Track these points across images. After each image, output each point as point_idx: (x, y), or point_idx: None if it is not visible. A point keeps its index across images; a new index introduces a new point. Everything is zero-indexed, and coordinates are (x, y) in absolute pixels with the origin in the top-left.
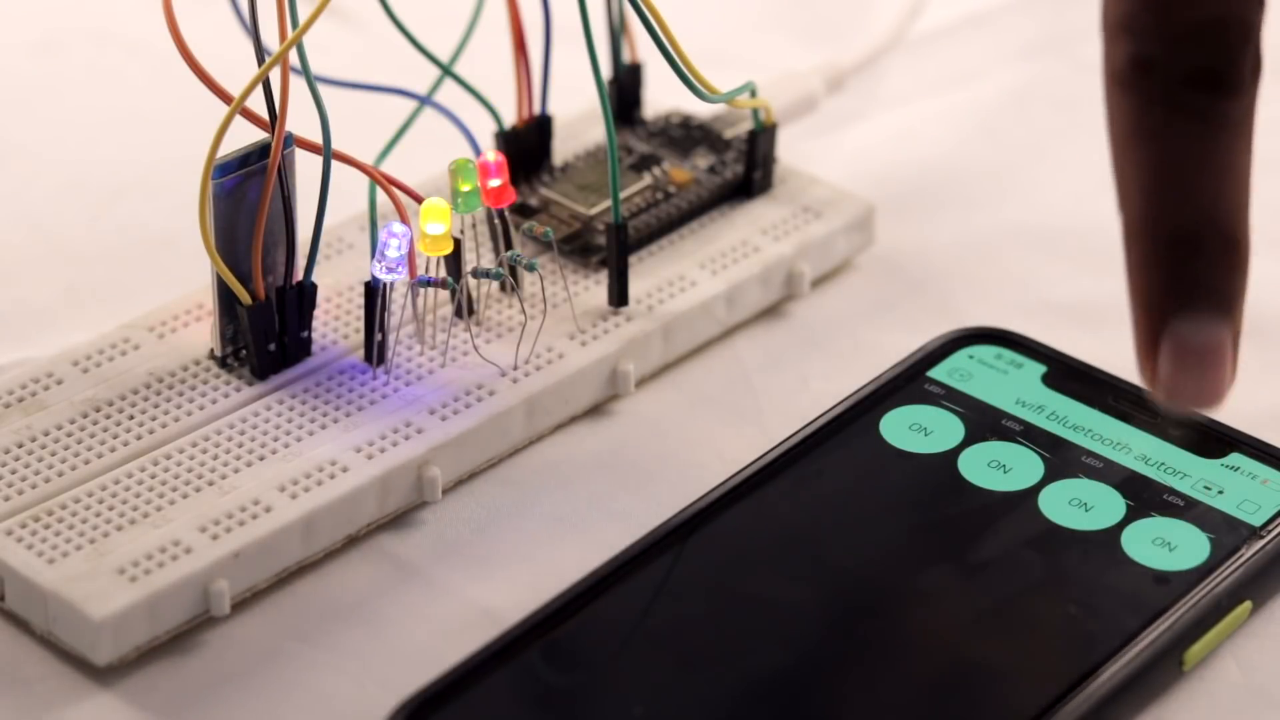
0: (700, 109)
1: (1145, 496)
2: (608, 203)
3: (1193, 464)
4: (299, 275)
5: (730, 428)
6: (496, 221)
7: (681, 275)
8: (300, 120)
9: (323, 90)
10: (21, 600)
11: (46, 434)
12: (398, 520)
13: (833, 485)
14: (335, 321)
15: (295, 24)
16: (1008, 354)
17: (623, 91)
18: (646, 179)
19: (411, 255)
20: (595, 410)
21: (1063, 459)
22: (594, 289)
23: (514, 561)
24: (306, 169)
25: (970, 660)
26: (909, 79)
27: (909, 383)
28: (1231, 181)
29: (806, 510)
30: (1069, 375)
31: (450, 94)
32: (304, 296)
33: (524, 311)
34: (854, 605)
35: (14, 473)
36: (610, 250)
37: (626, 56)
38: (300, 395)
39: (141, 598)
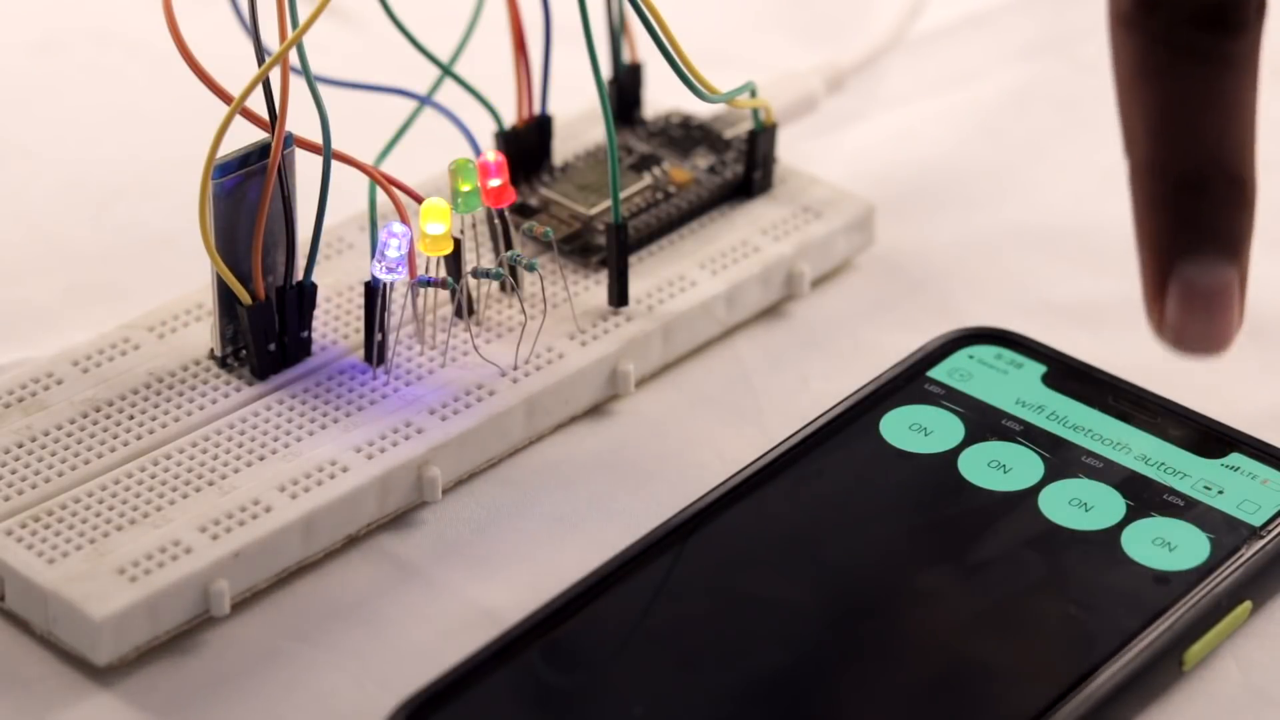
0: (700, 109)
1: (1145, 496)
2: (608, 203)
3: (1193, 464)
4: (299, 275)
5: (730, 428)
6: (496, 221)
7: (681, 275)
8: (300, 120)
9: (323, 90)
10: (21, 600)
11: (46, 434)
12: (398, 520)
13: (833, 485)
14: (335, 321)
15: (295, 24)
16: (1008, 354)
17: (623, 91)
18: (646, 179)
19: (411, 255)
20: (595, 410)
21: (1063, 459)
22: (594, 289)
23: (514, 561)
24: (306, 169)
25: (970, 660)
26: (909, 79)
27: (909, 383)
28: (1237, 122)
29: (806, 510)
30: (1069, 375)
31: (450, 94)
32: (304, 296)
33: (524, 311)
34: (854, 605)
35: (14, 473)
36: (610, 250)
37: (626, 56)
38: (300, 395)
39: (141, 598)
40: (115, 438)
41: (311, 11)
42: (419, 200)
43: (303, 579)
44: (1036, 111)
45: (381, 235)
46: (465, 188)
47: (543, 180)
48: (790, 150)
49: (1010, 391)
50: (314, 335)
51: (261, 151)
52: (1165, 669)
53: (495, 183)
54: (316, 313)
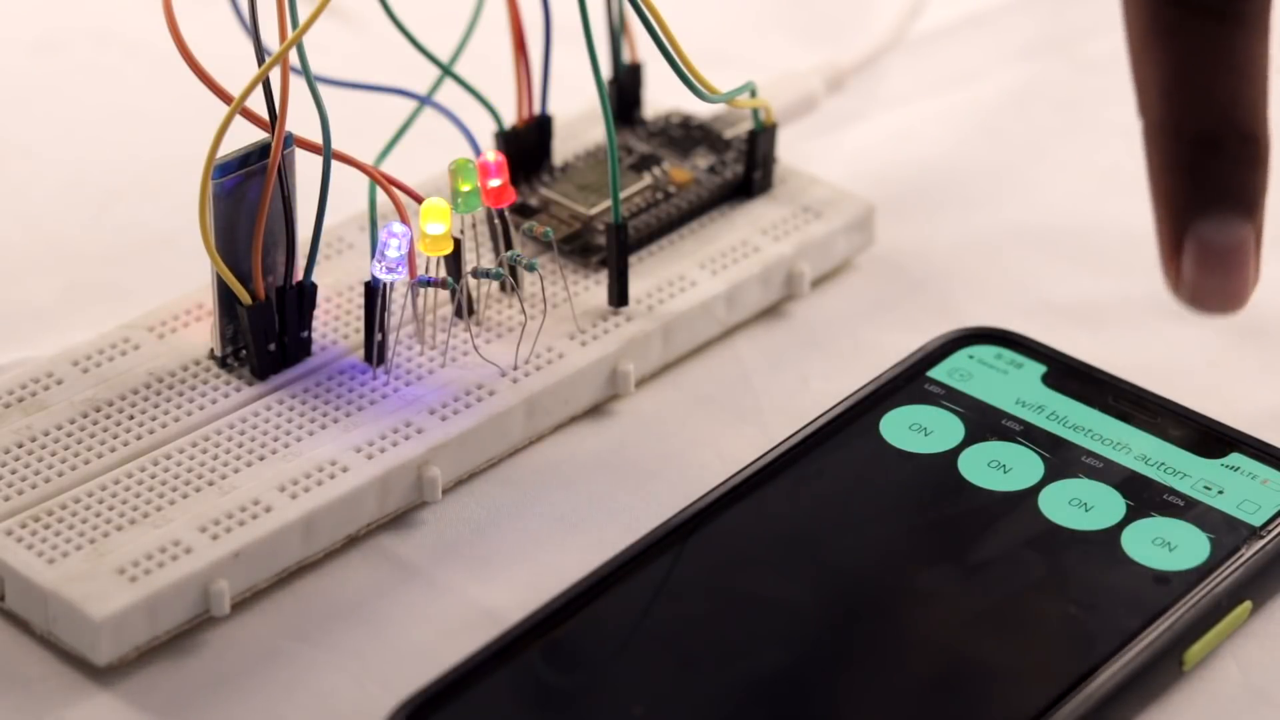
0: (700, 109)
1: (1145, 496)
2: (608, 203)
3: (1193, 464)
4: (299, 275)
5: (730, 428)
6: (496, 221)
7: (681, 275)
8: (300, 120)
9: (323, 90)
10: (21, 600)
11: (46, 434)
12: (398, 520)
13: (833, 485)
14: (335, 321)
15: (295, 24)
16: (1008, 354)
17: (623, 91)
18: (646, 179)
19: (411, 255)
20: (595, 410)
21: (1063, 459)
22: (594, 289)
23: (514, 561)
24: (306, 169)
25: (970, 660)
26: (909, 79)
27: (909, 383)
28: (1250, 80)
29: (807, 510)
30: (1069, 375)
31: (450, 94)
32: (304, 296)
33: (524, 311)
34: (854, 605)
35: (14, 473)
36: (610, 250)
37: (626, 56)
38: (300, 395)
39: (141, 598)
40: (115, 438)
41: (311, 11)
42: (419, 200)
43: (303, 579)
44: (1036, 111)
45: (381, 235)
46: (465, 188)
47: (543, 180)
48: (790, 150)
49: (1010, 391)
50: (314, 335)
51: (261, 151)
52: (1165, 669)
53: (495, 183)
54: (316, 313)
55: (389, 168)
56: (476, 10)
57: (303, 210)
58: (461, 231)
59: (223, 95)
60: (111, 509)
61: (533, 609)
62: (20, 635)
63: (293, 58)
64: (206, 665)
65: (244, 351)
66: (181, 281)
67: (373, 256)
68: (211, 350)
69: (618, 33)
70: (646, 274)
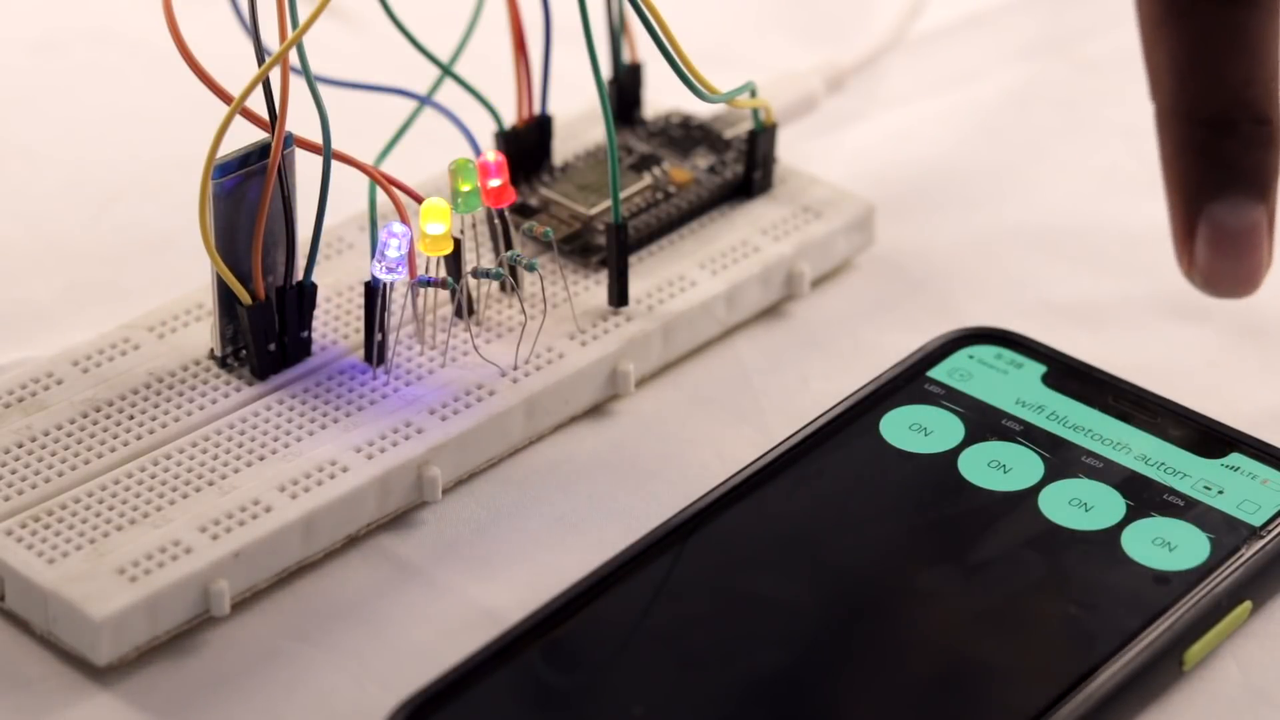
0: (700, 109)
1: (1145, 496)
2: (608, 203)
3: (1193, 464)
4: (299, 275)
5: (730, 428)
6: (496, 221)
7: (681, 275)
8: (300, 120)
9: (323, 90)
10: (21, 600)
11: (46, 434)
12: (398, 520)
13: (833, 485)
14: (335, 321)
15: (295, 24)
16: (1008, 354)
17: (623, 91)
18: (646, 179)
19: (411, 255)
20: (595, 410)
21: (1063, 459)
22: (594, 289)
23: (514, 561)
24: (306, 169)
25: (970, 660)
26: (909, 79)
27: (909, 383)
28: (1262, 63)
29: (807, 510)
30: (1069, 375)
31: (450, 94)
32: (304, 296)
33: (524, 311)
34: (854, 605)
35: (14, 473)
36: (610, 250)
37: (626, 56)
38: (300, 395)
39: (141, 598)
40: (115, 438)
41: (311, 11)
42: (419, 200)
43: (303, 579)
44: (1036, 111)
45: (381, 235)
46: (465, 188)
47: (543, 180)
48: (790, 150)
49: (1010, 391)
50: (314, 335)
51: (261, 151)
52: (1165, 669)
53: (495, 183)
54: (316, 313)
55: (389, 168)
56: (476, 10)
57: (303, 210)
58: (461, 231)
59: (223, 95)
60: (111, 509)
61: (533, 609)
62: (20, 635)
63: (293, 58)
64: (206, 665)
65: (244, 351)
66: (181, 281)
67: (373, 256)
68: (211, 350)
69: (618, 33)
70: (646, 274)
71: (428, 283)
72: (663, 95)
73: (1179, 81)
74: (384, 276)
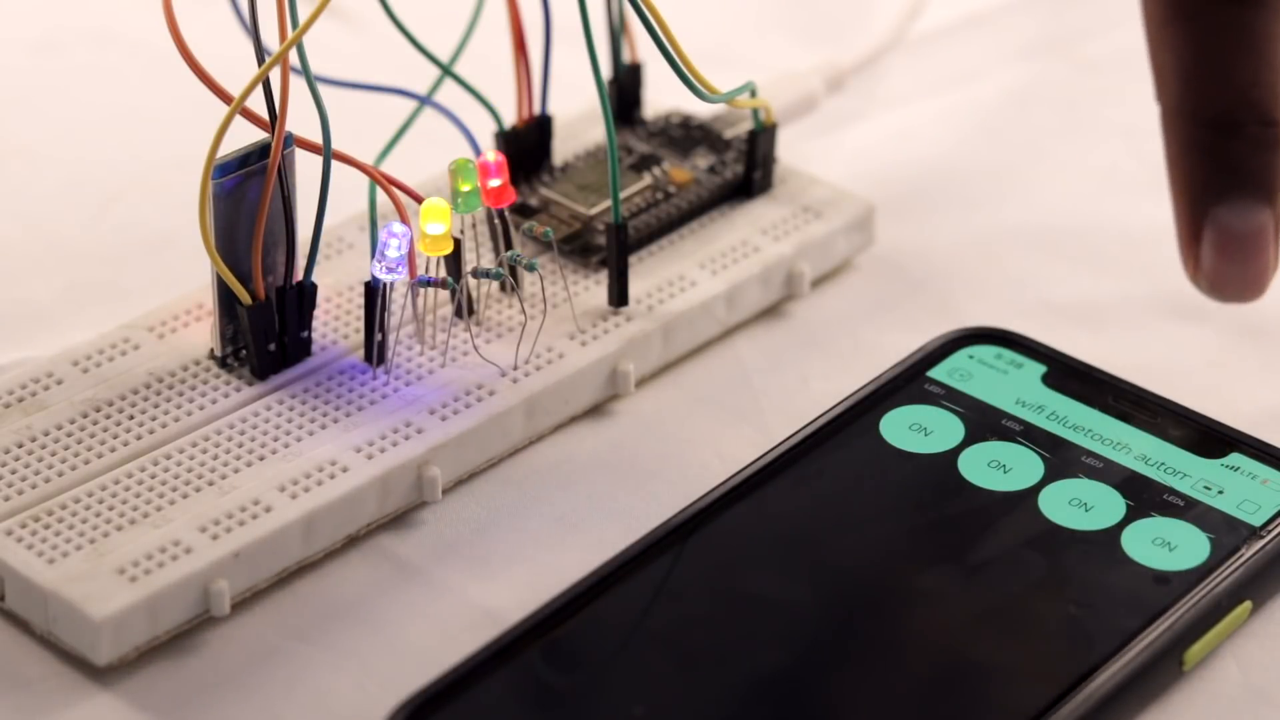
0: (700, 109)
1: (1145, 496)
2: (608, 203)
3: (1193, 464)
4: (299, 275)
5: (730, 428)
6: (496, 221)
7: (681, 275)
8: (300, 120)
9: (323, 90)
10: (21, 600)
11: (46, 434)
12: (398, 520)
13: (833, 485)
14: (335, 321)
15: (295, 24)
16: (1008, 354)
17: (623, 91)
18: (646, 179)
19: (411, 255)
20: (595, 410)
21: (1063, 459)
22: (594, 289)
23: (514, 561)
24: (306, 169)
25: (971, 660)
26: (909, 79)
27: (909, 383)
28: (1269, 63)
29: (806, 510)
30: (1069, 375)
31: (450, 94)
32: (304, 296)
33: (524, 311)
34: (854, 605)
35: (14, 473)
36: (610, 250)
37: (626, 56)
38: (300, 395)
39: (141, 598)
40: (115, 438)
41: (311, 11)
42: (419, 200)
43: (303, 579)
44: (1036, 111)
45: (381, 235)
46: (465, 188)
47: (543, 180)
48: (790, 150)
49: (1010, 391)
50: (314, 335)
51: (261, 151)
52: (1165, 669)
53: (495, 183)
54: (316, 313)
55: (389, 168)
56: (476, 10)
57: (303, 210)
58: (461, 231)
59: (223, 95)
60: (111, 509)
61: (533, 609)
62: (20, 635)
63: (293, 58)
64: (206, 665)
65: (244, 351)
66: (181, 281)
67: (373, 256)
68: (211, 350)
69: (618, 33)
70: (646, 274)
71: (428, 283)
72: (663, 95)
73: (1184, 82)
74: (384, 276)
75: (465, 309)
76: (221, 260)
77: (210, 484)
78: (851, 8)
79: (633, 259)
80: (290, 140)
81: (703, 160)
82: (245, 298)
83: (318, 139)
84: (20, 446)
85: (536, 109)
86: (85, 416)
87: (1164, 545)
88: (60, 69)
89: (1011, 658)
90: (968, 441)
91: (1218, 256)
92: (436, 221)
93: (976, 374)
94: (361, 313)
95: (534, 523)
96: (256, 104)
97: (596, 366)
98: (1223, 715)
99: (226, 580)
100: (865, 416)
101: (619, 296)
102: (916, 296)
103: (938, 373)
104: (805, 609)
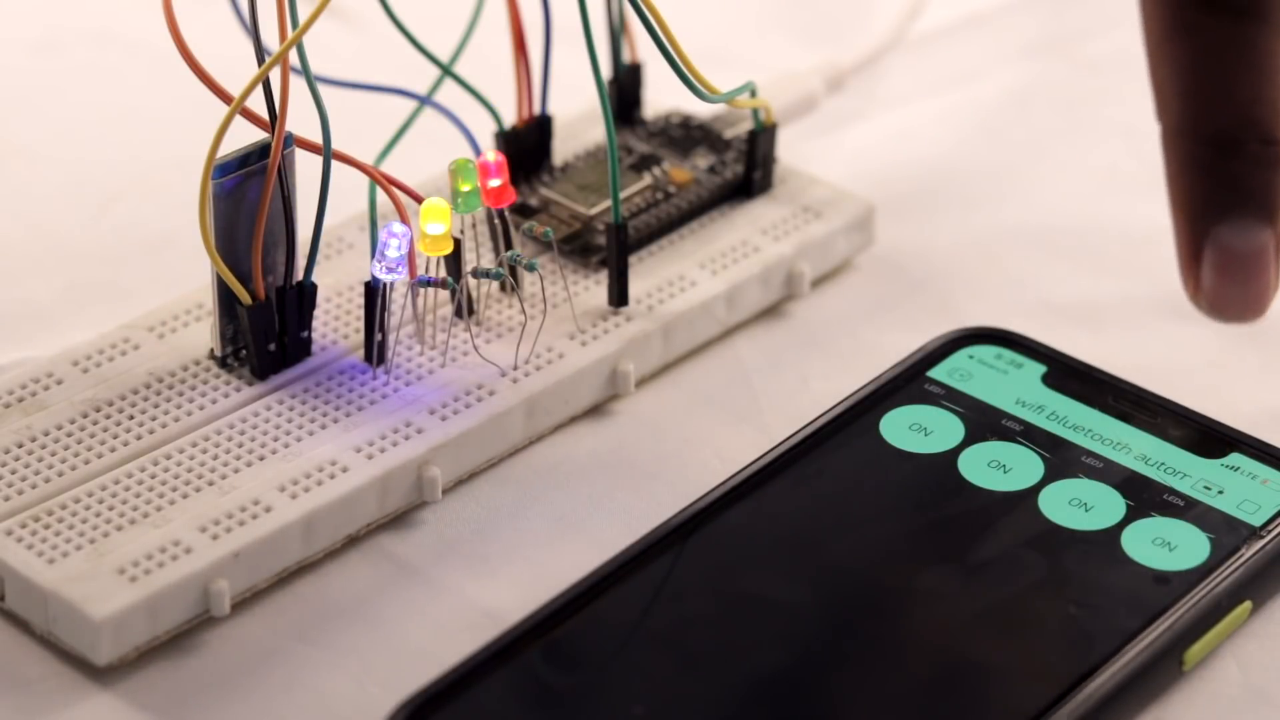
0: (700, 109)
1: (1145, 496)
2: (608, 203)
3: (1193, 464)
4: (299, 275)
5: (730, 428)
6: (496, 221)
7: (681, 275)
8: (300, 120)
9: (323, 90)
10: (21, 600)
11: (46, 434)
12: (398, 520)
13: (833, 485)
14: (335, 321)
15: (295, 24)
16: (1008, 354)
17: (623, 91)
18: (646, 179)
19: (411, 255)
20: (595, 410)
21: (1063, 459)
22: (594, 289)
23: (514, 561)
24: (306, 169)
25: (970, 660)
26: (909, 79)
27: (909, 383)
28: (1269, 81)
29: (807, 510)
30: (1069, 375)
31: (450, 94)
32: (304, 296)
33: (524, 311)
34: (854, 605)
35: (14, 473)
36: (610, 250)
37: (626, 56)
38: (300, 395)
39: (141, 598)
40: (115, 438)
41: (311, 11)
42: (419, 200)
43: (303, 579)
44: (1036, 111)
45: (381, 235)
46: (465, 188)
47: (543, 180)
48: (790, 150)
49: (1010, 391)
50: (314, 335)
51: (261, 151)
52: (1165, 669)
53: (495, 183)
54: (316, 313)
55: (389, 168)
56: (476, 10)
57: (303, 210)
58: (461, 231)
59: (223, 95)
60: (111, 509)
61: (533, 609)
62: (20, 635)
63: (293, 58)
64: (206, 665)
65: (244, 351)
66: (181, 281)
67: (373, 256)
68: (211, 350)
69: (618, 33)
70: (646, 274)
71: (428, 283)
72: (663, 95)
73: (1184, 99)
74: (384, 276)
75: (465, 309)
76: (221, 260)
77: (210, 484)
78: (851, 8)
79: (633, 259)
80: (290, 140)
81: (703, 160)
82: (245, 298)
83: (318, 139)
84: (20, 446)
85: (536, 109)
86: (85, 416)
87: (1164, 545)
88: (60, 69)
89: (1011, 658)
90: (968, 441)
91: (1218, 276)
92: (436, 221)
93: (976, 374)
94: (361, 313)
95: (534, 523)
96: (256, 104)
97: (596, 366)
98: (1223, 715)
99: (226, 580)
100: (865, 416)
101: (619, 296)
102: (916, 296)
103: (938, 373)
104: (805, 609)
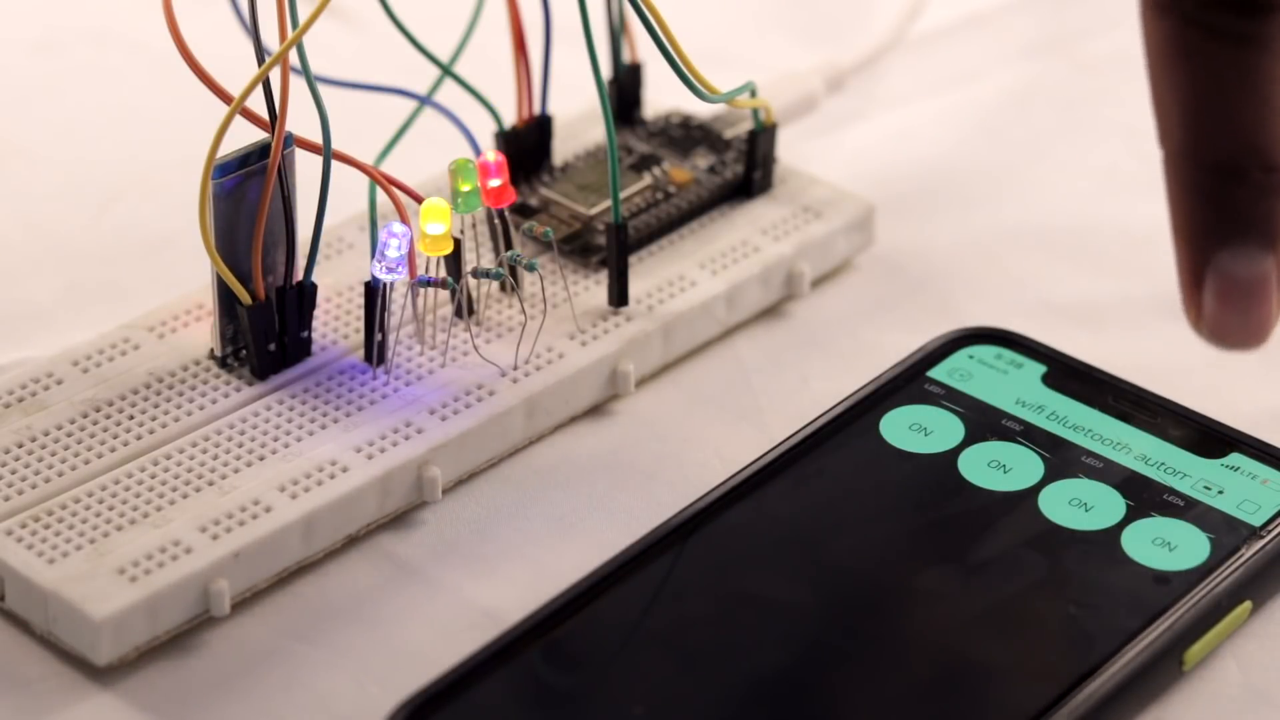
0: (700, 109)
1: (1145, 496)
2: (608, 203)
3: (1193, 464)
4: (299, 275)
5: (730, 428)
6: (496, 221)
7: (681, 275)
8: (300, 120)
9: (323, 90)
10: (21, 600)
11: (46, 434)
12: (398, 520)
13: (833, 485)
14: (335, 321)
15: (295, 24)
16: (1008, 354)
17: (623, 91)
18: (646, 179)
19: (411, 255)
20: (595, 410)
21: (1063, 459)
22: (594, 289)
23: (514, 561)
24: (306, 169)
25: (970, 660)
26: (909, 79)
27: (909, 383)
28: (1271, 108)
29: (807, 510)
30: (1069, 375)
31: (450, 94)
32: (304, 296)
33: (524, 311)
34: (854, 605)
35: (14, 473)
36: (610, 250)
37: (626, 56)
38: (300, 395)
39: (141, 598)
40: (115, 438)
41: (311, 11)
42: (419, 200)
43: (303, 579)
44: (1036, 111)
45: (381, 235)
46: (465, 188)
47: (543, 180)
48: (790, 150)
49: (1010, 391)
50: (314, 335)
51: (261, 151)
52: (1165, 669)
53: (495, 183)
54: (316, 313)
55: (389, 168)
56: (476, 10)
57: (303, 210)
58: (461, 231)
59: (223, 95)
60: (111, 509)
61: (533, 609)
62: (20, 635)
63: (293, 58)
64: (206, 665)
65: (244, 351)
66: (181, 281)
67: (373, 256)
68: (211, 350)
69: (618, 33)
70: (646, 274)
71: (428, 283)
72: (663, 95)
73: (1186, 125)
74: (384, 276)
75: (465, 309)
76: (221, 260)
77: (210, 484)
78: (851, 8)
79: (633, 259)
80: (290, 140)
81: (703, 160)
82: (245, 298)
83: (318, 139)
84: (20, 446)
85: (536, 109)
86: (85, 416)
87: (1164, 545)
88: (60, 69)
89: (1011, 658)
90: (968, 441)
91: (1220, 304)
92: (436, 221)
93: (976, 374)
94: (361, 313)
95: (534, 523)
96: (256, 104)
97: (596, 366)
98: (1223, 715)
99: (226, 580)
100: (865, 416)
101: (619, 296)
102: (916, 296)
103: (938, 373)
104: (805, 609)
